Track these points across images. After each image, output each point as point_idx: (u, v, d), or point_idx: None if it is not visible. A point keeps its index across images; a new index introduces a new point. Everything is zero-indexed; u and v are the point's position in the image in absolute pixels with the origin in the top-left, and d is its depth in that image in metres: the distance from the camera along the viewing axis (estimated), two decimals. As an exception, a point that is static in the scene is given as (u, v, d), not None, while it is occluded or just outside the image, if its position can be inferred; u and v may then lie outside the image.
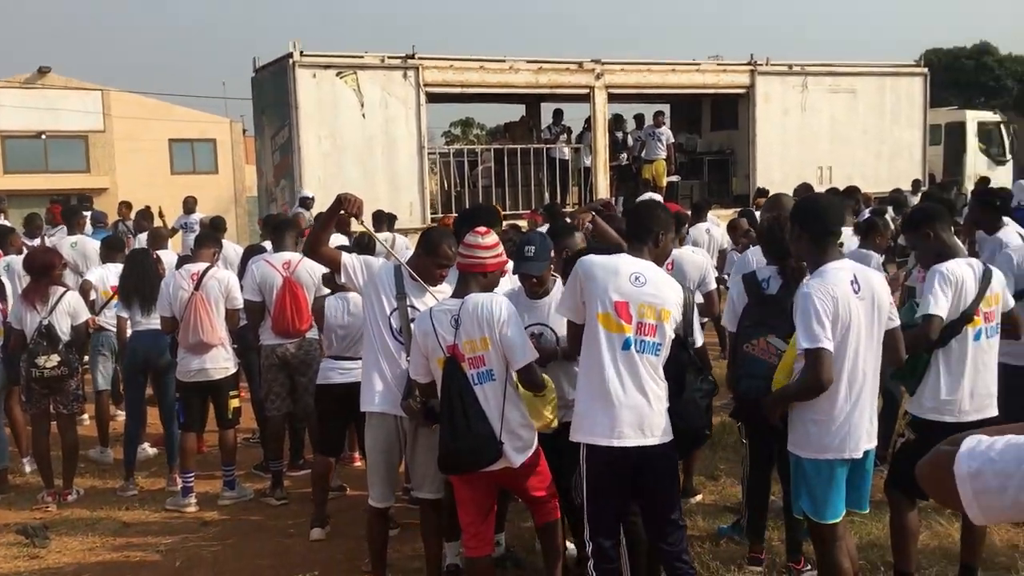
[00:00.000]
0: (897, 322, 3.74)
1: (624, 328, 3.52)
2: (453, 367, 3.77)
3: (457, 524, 4.13)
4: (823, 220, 3.68)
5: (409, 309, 4.28)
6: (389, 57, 13.35)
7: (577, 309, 3.64)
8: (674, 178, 16.23)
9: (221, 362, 6.09)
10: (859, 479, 3.75)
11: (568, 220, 5.74)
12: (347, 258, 4.42)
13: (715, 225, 10.15)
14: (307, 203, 11.90)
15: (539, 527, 4.20)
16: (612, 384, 3.50)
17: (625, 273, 3.56)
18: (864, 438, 3.65)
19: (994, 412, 4.12)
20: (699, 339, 3.98)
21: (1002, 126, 21.28)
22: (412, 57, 13.38)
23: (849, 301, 3.52)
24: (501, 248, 4.05)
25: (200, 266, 6.12)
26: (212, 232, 7.72)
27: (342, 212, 4.33)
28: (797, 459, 3.70)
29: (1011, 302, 4.24)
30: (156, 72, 78.63)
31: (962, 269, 4.02)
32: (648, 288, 3.56)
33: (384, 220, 10.67)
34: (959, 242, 4.42)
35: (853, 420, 3.59)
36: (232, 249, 8.86)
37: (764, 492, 4.60)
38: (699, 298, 5.25)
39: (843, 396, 3.56)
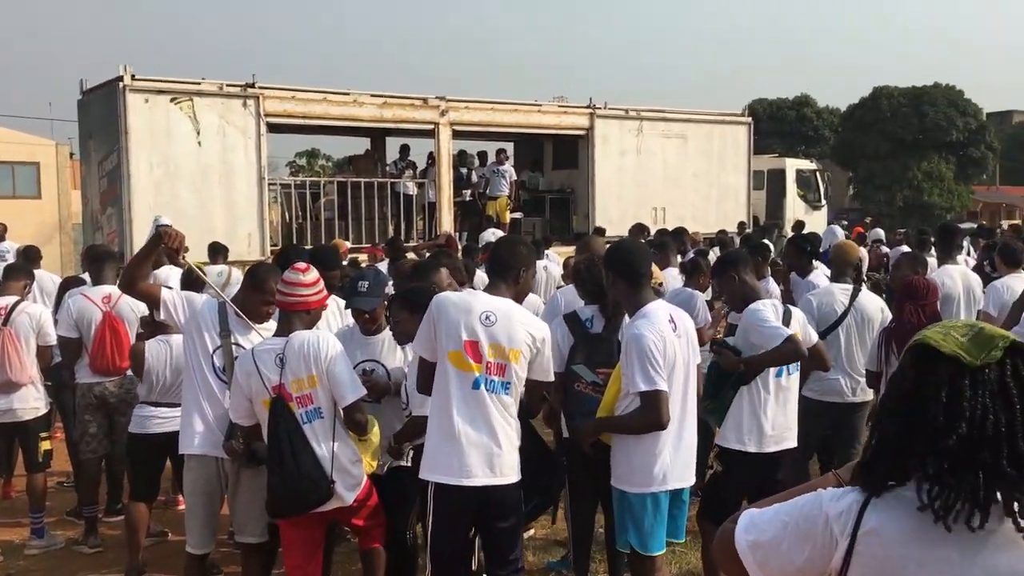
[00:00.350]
0: (699, 359, 3.94)
1: (473, 367, 3.50)
2: (280, 407, 3.70)
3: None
4: (632, 264, 3.82)
5: (234, 347, 4.17)
6: (228, 85, 13.01)
7: (431, 347, 3.60)
8: (517, 215, 16.57)
9: (31, 402, 5.72)
10: (677, 510, 3.89)
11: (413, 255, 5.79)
12: (167, 294, 4.25)
13: (552, 262, 10.37)
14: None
15: (363, 552, 4.19)
16: (461, 423, 3.48)
17: (477, 312, 3.55)
18: (685, 470, 3.81)
19: (793, 444, 4.40)
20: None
21: (818, 174, 22.92)
22: (252, 86, 13.10)
23: (672, 341, 3.67)
24: (322, 285, 4.01)
25: (9, 300, 5.73)
26: (24, 263, 7.26)
27: (163, 246, 4.18)
28: (622, 494, 3.79)
29: (813, 337, 4.54)
30: (-27, 89, 73.46)
31: (770, 307, 4.29)
32: (498, 328, 3.54)
33: (220, 252, 10.34)
34: (759, 284, 4.71)
35: (677, 454, 3.74)
36: (49, 279, 8.32)
37: (588, 526, 4.73)
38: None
39: (670, 433, 3.69)
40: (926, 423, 1.50)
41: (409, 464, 4.15)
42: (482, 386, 3.53)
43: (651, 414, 3.59)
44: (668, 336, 3.66)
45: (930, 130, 39.01)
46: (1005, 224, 30.89)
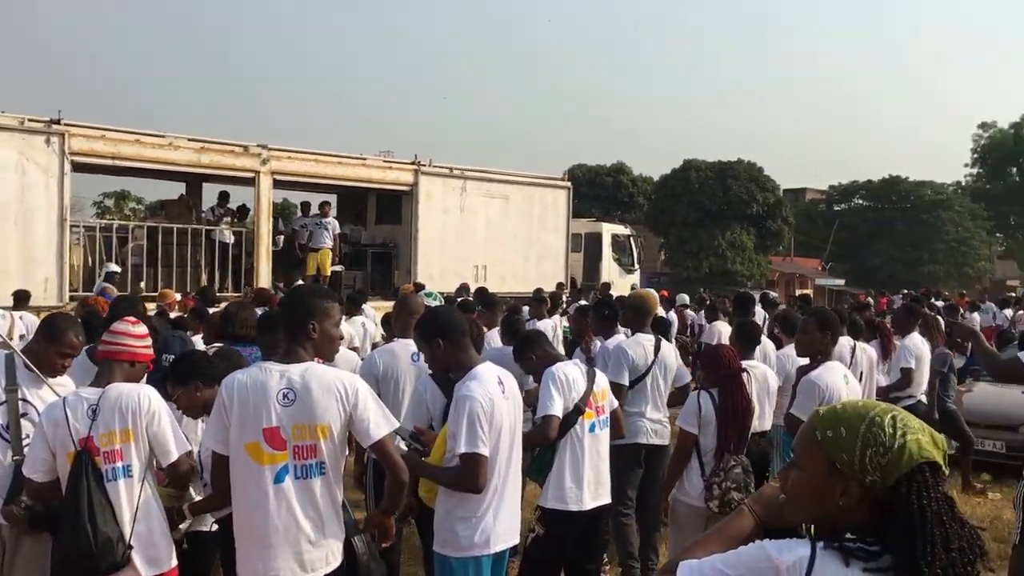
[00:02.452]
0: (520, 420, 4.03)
1: (277, 457, 3.18)
2: (84, 461, 3.46)
3: None
4: (454, 326, 3.83)
5: (21, 403, 3.88)
6: (30, 119, 12.24)
7: (224, 438, 3.23)
8: (338, 268, 16.37)
9: None
10: (497, 572, 3.87)
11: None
12: None
13: (370, 319, 10.28)
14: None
15: None
16: (263, 523, 3.19)
17: (273, 391, 3.19)
18: (508, 533, 3.81)
19: (608, 499, 4.56)
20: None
21: (631, 239, 24.06)
22: (57, 122, 12.37)
23: (500, 403, 3.68)
24: (150, 340, 3.86)
25: None
26: None
27: None
28: (444, 559, 3.74)
29: (613, 401, 4.76)
30: None
31: (570, 369, 4.45)
32: (300, 405, 3.19)
33: (23, 299, 9.66)
34: (555, 352, 4.87)
35: (499, 516, 3.72)
36: None
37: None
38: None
39: (490, 494, 3.68)
40: (947, 539, 1.64)
41: (211, 529, 3.97)
42: (288, 477, 3.19)
43: (468, 477, 3.58)
44: (496, 398, 3.66)
45: (734, 202, 41.77)
46: (798, 292, 33.38)
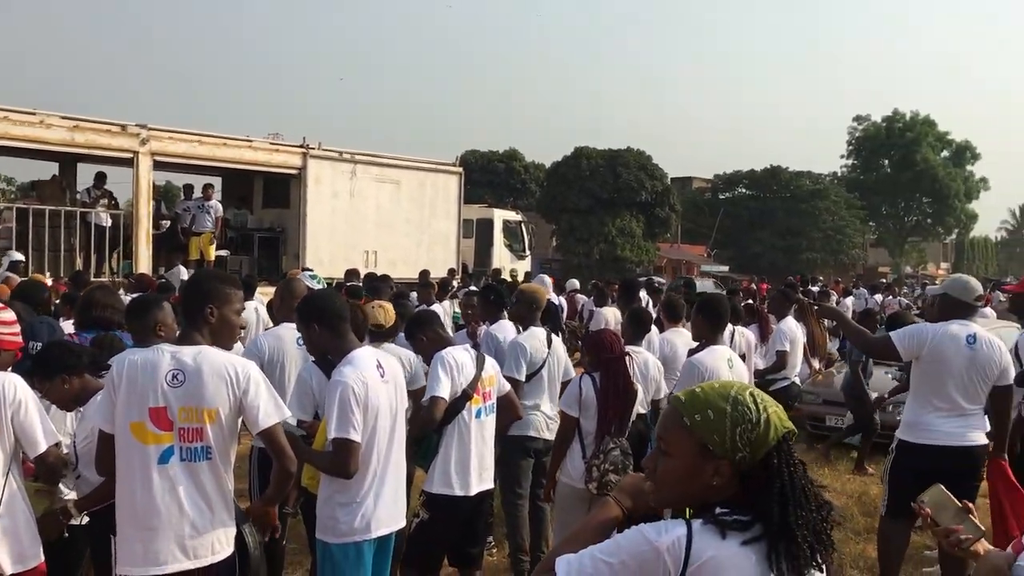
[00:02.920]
0: (406, 404, 4.01)
1: (162, 438, 3.12)
2: None
3: None
4: (332, 311, 3.79)
5: None
6: None
7: (111, 416, 3.17)
8: (223, 252, 15.94)
9: None
10: (381, 558, 3.86)
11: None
12: None
13: (261, 304, 10.02)
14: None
15: None
16: (147, 505, 3.12)
17: (163, 372, 3.15)
18: (390, 518, 3.80)
19: (491, 485, 4.61)
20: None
21: (523, 225, 24.23)
22: (-85, 96, 11.62)
23: (377, 387, 3.67)
24: (18, 327, 3.68)
25: None
26: None
27: None
28: (325, 545, 3.72)
29: (505, 385, 4.79)
30: None
31: (460, 354, 4.46)
32: (189, 387, 3.14)
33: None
34: (449, 336, 4.90)
35: (380, 501, 3.71)
36: None
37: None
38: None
39: (369, 479, 3.67)
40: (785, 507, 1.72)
41: (80, 523, 3.82)
42: (173, 459, 3.14)
43: (339, 463, 3.56)
44: (372, 382, 3.65)
45: (623, 190, 42.49)
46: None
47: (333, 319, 3.77)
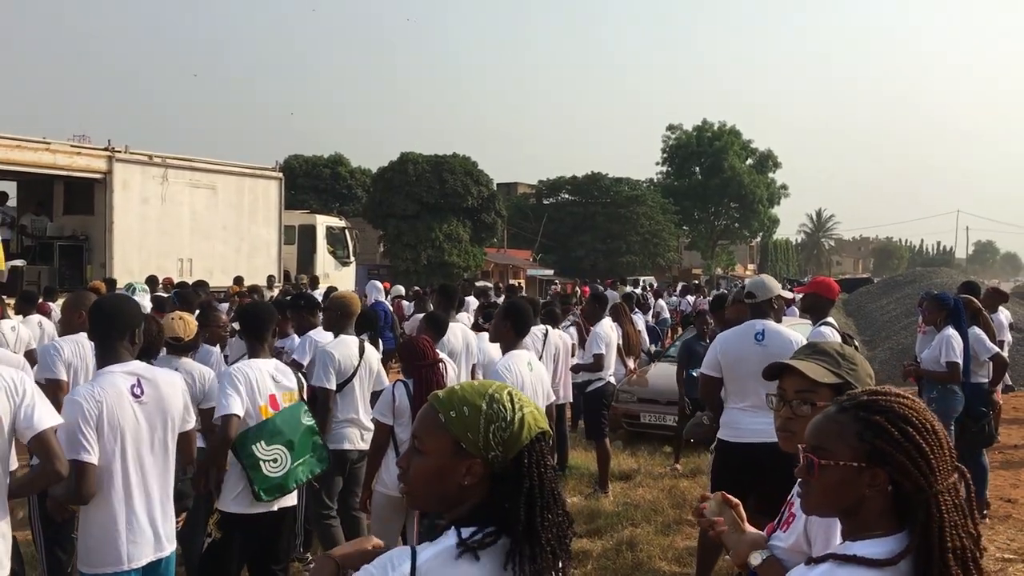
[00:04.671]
0: (191, 424, 3.82)
1: None
2: None
3: None
4: (111, 322, 3.54)
5: None
6: None
7: None
8: (19, 262, 14.80)
9: None
10: None
11: None
12: None
13: (49, 320, 9.34)
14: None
15: None
16: None
17: None
18: (153, 545, 3.55)
19: (293, 501, 4.53)
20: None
21: (347, 231, 23.86)
22: None
23: (124, 406, 3.43)
24: None
25: None
26: None
27: None
28: None
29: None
30: None
31: (252, 368, 4.38)
32: None
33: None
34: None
35: (137, 528, 3.49)
36: None
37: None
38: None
39: (121, 505, 3.44)
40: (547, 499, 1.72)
41: None
42: None
43: (73, 486, 3.31)
44: (115, 400, 3.41)
45: (450, 195, 42.77)
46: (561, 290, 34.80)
47: (104, 333, 3.54)
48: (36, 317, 8.53)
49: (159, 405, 3.58)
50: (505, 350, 5.27)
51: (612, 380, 8.80)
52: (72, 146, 15.45)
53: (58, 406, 3.37)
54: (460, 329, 7.56)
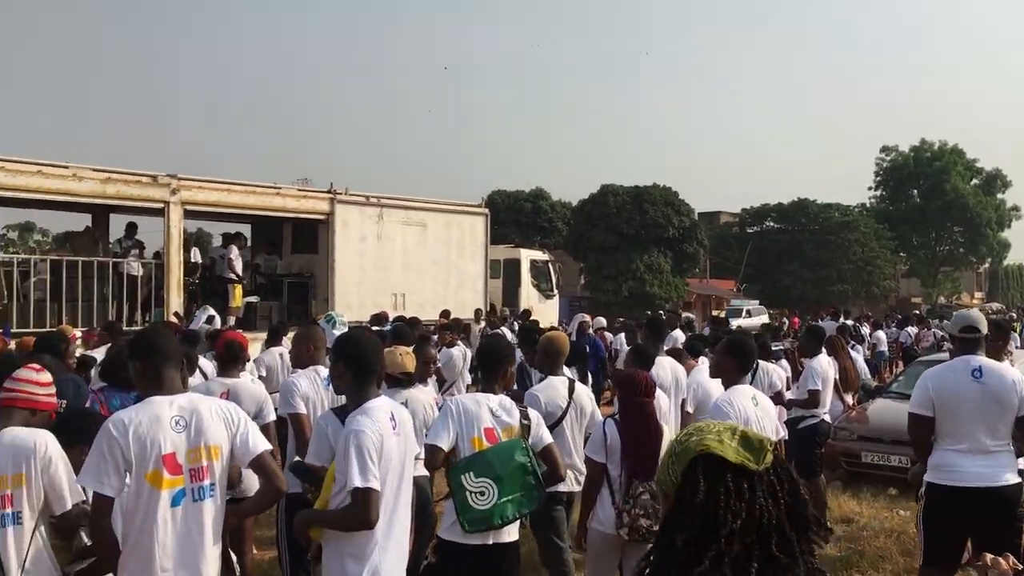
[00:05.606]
0: (419, 454, 4.01)
1: (175, 482, 3.33)
2: None
3: None
4: (365, 359, 3.76)
5: None
6: (-78, 151, 11.76)
7: (118, 476, 3.27)
8: (252, 298, 16.09)
9: None
10: None
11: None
12: None
13: (287, 349, 10.10)
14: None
15: None
16: (160, 548, 3.29)
17: (167, 419, 3.36)
18: (396, 567, 3.75)
19: (514, 537, 4.53)
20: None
21: (550, 264, 24.23)
22: (-48, 154, 11.92)
23: (390, 438, 3.64)
24: (54, 388, 3.78)
25: None
26: None
27: None
28: None
29: (546, 437, 4.60)
30: None
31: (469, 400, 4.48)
32: (192, 429, 3.38)
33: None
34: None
35: (387, 552, 3.67)
36: None
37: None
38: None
39: (380, 530, 3.63)
40: (717, 527, 1.67)
41: None
42: (185, 499, 3.36)
43: (360, 512, 3.50)
44: (387, 433, 3.62)
45: (650, 226, 42.53)
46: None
47: (362, 369, 3.75)
48: (278, 348, 9.24)
49: (408, 438, 3.77)
50: (726, 385, 5.13)
51: (827, 418, 8.37)
52: (299, 190, 16.67)
53: (304, 438, 3.65)
54: (669, 362, 7.45)
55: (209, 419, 3.42)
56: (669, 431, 5.45)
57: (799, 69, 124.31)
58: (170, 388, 3.46)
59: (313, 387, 5.30)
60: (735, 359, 5.13)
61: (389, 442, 3.64)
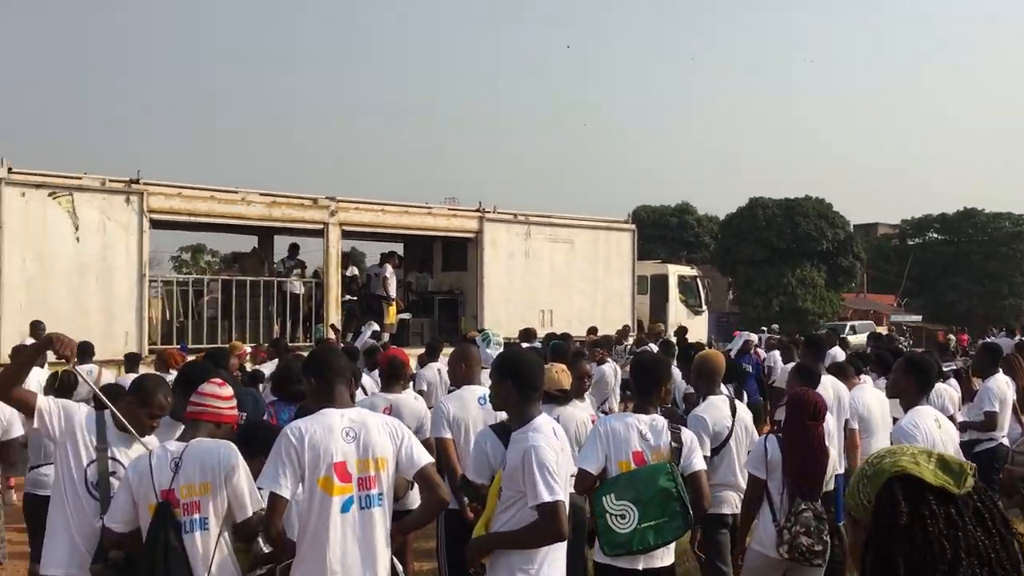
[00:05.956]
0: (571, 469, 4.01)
1: (345, 488, 3.50)
2: (164, 512, 3.62)
3: None
4: (529, 376, 3.81)
5: (110, 461, 4.01)
6: (111, 180, 12.75)
7: (294, 480, 3.48)
8: (405, 315, 16.57)
9: None
10: None
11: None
12: (43, 402, 4.03)
13: (444, 366, 10.31)
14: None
15: None
16: (333, 552, 3.46)
17: (339, 429, 3.54)
18: None
19: (671, 560, 4.45)
20: None
21: (699, 280, 23.81)
22: (136, 182, 12.86)
23: (556, 453, 3.67)
24: (235, 402, 4.03)
25: None
26: None
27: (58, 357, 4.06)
28: None
29: (697, 464, 4.48)
30: None
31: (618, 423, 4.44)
32: (361, 440, 3.55)
33: (89, 352, 9.96)
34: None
35: (554, 567, 3.70)
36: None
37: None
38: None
39: (559, 545, 3.68)
40: (933, 555, 1.58)
41: None
42: (353, 506, 3.52)
43: (551, 526, 3.52)
44: (556, 448, 3.66)
45: (802, 239, 41.21)
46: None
47: (527, 385, 3.79)
48: (437, 364, 9.49)
49: (566, 454, 3.83)
50: (906, 406, 4.90)
51: (1005, 441, 7.84)
52: (449, 209, 17.11)
53: (448, 462, 3.77)
54: (830, 381, 7.18)
55: (377, 432, 3.59)
56: (834, 452, 5.26)
57: (963, 70, 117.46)
58: (341, 402, 3.66)
59: (463, 409, 5.39)
60: (915, 378, 4.90)
61: (557, 456, 3.68)
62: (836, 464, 5.49)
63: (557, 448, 3.67)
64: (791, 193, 43.74)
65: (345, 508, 3.50)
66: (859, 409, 6.82)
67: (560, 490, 3.55)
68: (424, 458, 3.68)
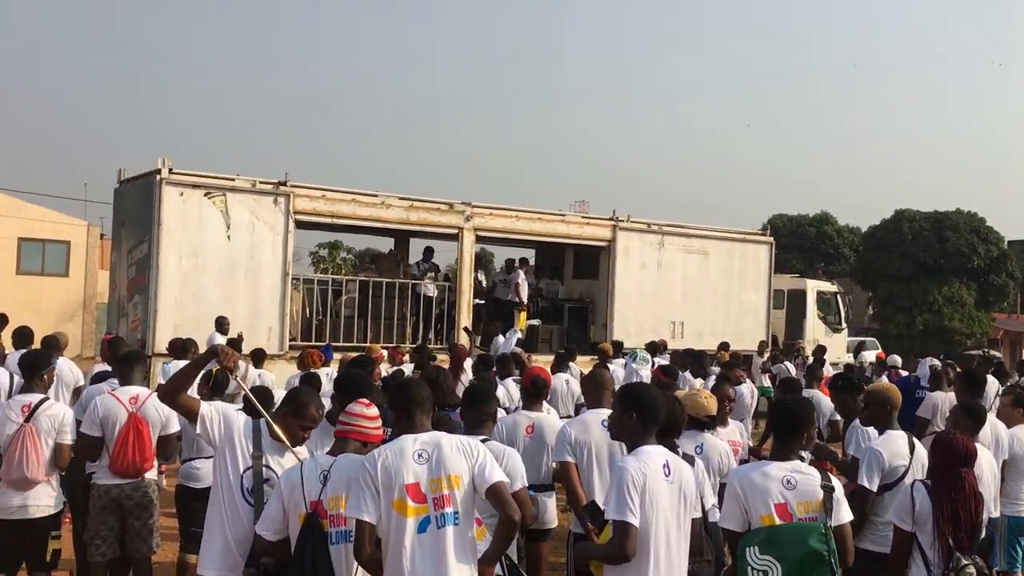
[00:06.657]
0: (698, 513, 3.98)
1: (419, 510, 3.60)
2: (312, 523, 3.78)
3: None
4: (652, 410, 3.93)
5: (264, 469, 4.18)
6: (261, 182, 13.34)
7: (375, 505, 3.61)
8: (535, 322, 16.63)
9: (44, 499, 5.60)
10: None
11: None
12: (205, 409, 4.27)
13: (574, 377, 10.26)
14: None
15: None
16: (412, 571, 3.55)
17: (410, 452, 3.66)
18: None
19: None
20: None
21: (838, 296, 22.89)
22: (284, 184, 13.41)
23: (659, 482, 3.73)
24: (380, 422, 4.16)
25: (33, 398, 5.70)
26: (45, 352, 7.27)
27: (217, 367, 4.28)
28: None
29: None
30: (7, 167, 74.05)
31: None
32: (433, 461, 3.66)
33: (262, 357, 10.49)
34: None
35: None
36: (68, 370, 8.29)
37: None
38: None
39: (650, 570, 3.70)
40: None
41: None
42: (430, 525, 3.60)
43: (616, 543, 3.64)
44: (654, 475, 3.73)
45: (951, 255, 39.16)
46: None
47: (648, 418, 3.91)
48: (564, 375, 9.50)
49: (683, 488, 3.84)
50: None
51: None
52: (583, 217, 17.08)
53: (570, 485, 3.73)
54: (989, 420, 6.74)
55: (449, 451, 3.69)
56: (988, 496, 4.92)
57: None
58: (419, 429, 3.79)
59: (585, 432, 5.36)
60: None
61: (658, 485, 3.73)
62: (991, 510, 5.15)
63: (654, 474, 3.74)
64: (940, 206, 41.56)
65: (422, 528, 3.59)
66: (1016, 449, 6.39)
67: (630, 511, 3.62)
68: (497, 475, 3.74)
